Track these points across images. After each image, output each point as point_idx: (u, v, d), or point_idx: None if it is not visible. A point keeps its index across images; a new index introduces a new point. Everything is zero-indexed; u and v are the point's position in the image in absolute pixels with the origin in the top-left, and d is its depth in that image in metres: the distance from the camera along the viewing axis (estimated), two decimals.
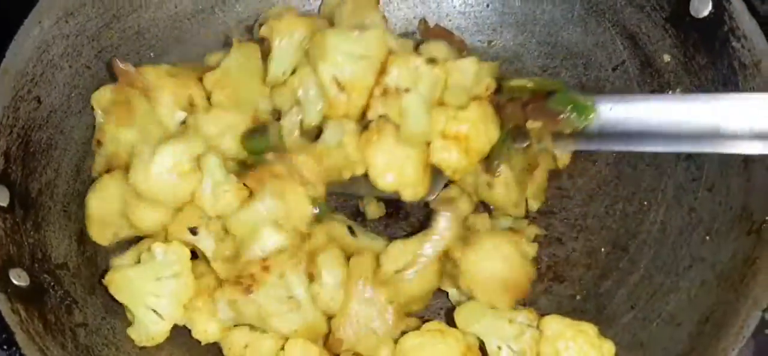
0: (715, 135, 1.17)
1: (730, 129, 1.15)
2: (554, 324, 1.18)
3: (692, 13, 1.31)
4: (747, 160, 1.22)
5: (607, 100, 1.27)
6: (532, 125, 1.30)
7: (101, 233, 1.31)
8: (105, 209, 1.30)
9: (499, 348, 1.20)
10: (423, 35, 1.53)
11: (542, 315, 1.22)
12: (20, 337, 1.05)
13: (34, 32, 1.31)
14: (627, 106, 1.25)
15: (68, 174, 1.34)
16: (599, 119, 1.26)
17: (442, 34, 1.55)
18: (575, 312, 1.31)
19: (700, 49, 1.32)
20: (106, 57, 1.43)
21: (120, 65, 1.33)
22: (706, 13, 1.29)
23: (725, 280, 1.15)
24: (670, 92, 1.38)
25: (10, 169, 1.23)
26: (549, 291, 1.38)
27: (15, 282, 1.13)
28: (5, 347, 1.05)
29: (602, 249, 1.39)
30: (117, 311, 1.26)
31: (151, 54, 1.50)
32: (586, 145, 1.30)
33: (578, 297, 1.31)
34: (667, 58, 1.38)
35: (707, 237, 1.24)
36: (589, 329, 1.18)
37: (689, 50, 1.34)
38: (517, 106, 1.32)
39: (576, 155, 1.47)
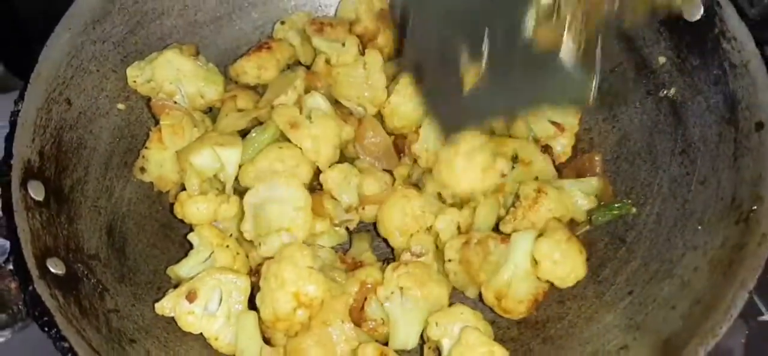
0: None
1: None
2: (472, 337, 1.25)
3: (685, 16, 1.37)
4: (736, 154, 1.29)
5: None
6: None
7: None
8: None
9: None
10: None
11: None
12: (59, 320, 1.12)
13: (64, 38, 1.39)
14: None
15: (97, 172, 1.41)
16: None
17: None
18: (576, 298, 1.37)
19: (693, 50, 1.38)
20: (130, 61, 1.51)
21: (157, 103, 1.45)
22: (698, 16, 1.35)
23: (716, 266, 1.21)
24: (664, 92, 1.45)
25: (44, 166, 1.30)
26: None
27: (52, 270, 1.19)
28: (46, 329, 1.11)
29: (601, 241, 1.45)
30: (145, 299, 1.34)
31: None
32: None
33: (578, 284, 1.37)
34: (662, 59, 1.44)
35: (699, 227, 1.30)
36: (499, 353, 1.25)
37: (683, 52, 1.40)
38: None
39: (575, 150, 1.55)
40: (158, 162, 1.44)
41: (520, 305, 1.33)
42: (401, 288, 1.31)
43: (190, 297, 1.29)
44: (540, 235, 1.32)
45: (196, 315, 1.29)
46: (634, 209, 1.43)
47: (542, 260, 1.30)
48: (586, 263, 1.34)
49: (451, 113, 1.31)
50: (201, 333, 1.31)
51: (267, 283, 1.26)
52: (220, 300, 1.30)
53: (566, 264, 1.30)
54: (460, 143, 1.39)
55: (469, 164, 1.40)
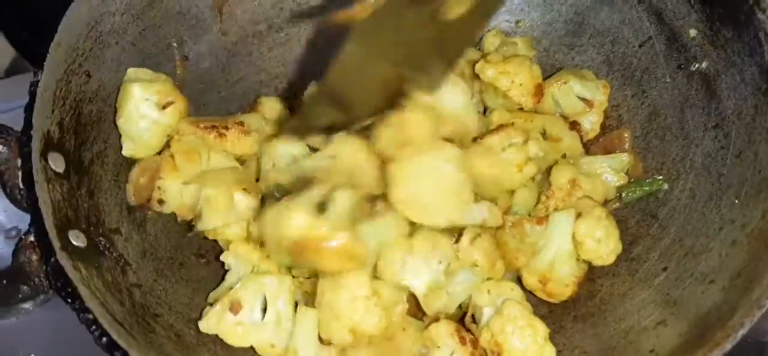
0: None
1: None
2: (513, 308, 1.23)
3: None
4: None
5: None
6: None
7: None
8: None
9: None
10: None
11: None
12: (83, 292, 1.09)
13: (84, 9, 1.35)
14: None
15: (117, 146, 1.38)
16: None
17: None
18: (607, 276, 1.35)
19: (726, 22, 1.35)
20: (148, 35, 1.48)
21: None
22: None
23: (756, 239, 1.18)
24: (696, 66, 1.42)
25: (64, 138, 1.26)
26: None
27: (74, 242, 1.16)
28: (69, 300, 1.09)
29: (632, 218, 1.42)
30: (167, 275, 1.31)
31: (190, 33, 1.55)
32: None
33: (610, 262, 1.35)
34: (693, 32, 1.41)
35: (736, 201, 1.27)
36: (541, 328, 1.22)
37: (715, 24, 1.37)
38: None
39: (604, 127, 1.52)
40: (176, 192, 1.36)
41: (566, 288, 1.31)
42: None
43: (234, 308, 1.23)
44: (579, 215, 1.29)
45: (244, 326, 1.24)
46: (665, 185, 1.40)
47: (584, 240, 1.28)
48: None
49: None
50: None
51: (322, 310, 1.22)
52: (265, 306, 1.25)
53: (609, 242, 1.29)
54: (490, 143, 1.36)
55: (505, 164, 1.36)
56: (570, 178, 1.36)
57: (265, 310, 1.25)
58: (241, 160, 1.41)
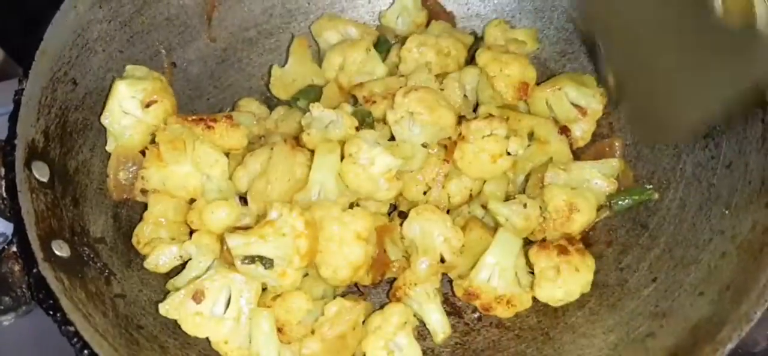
0: None
1: None
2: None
3: None
4: (765, 137, 1.25)
5: None
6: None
7: None
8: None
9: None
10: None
11: None
12: (65, 303, 1.08)
13: (70, 17, 1.34)
14: None
15: (103, 154, 1.36)
16: None
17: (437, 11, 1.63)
18: (597, 286, 1.33)
19: None
20: (136, 42, 1.47)
21: None
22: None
23: (745, 250, 1.17)
24: None
25: (49, 147, 1.25)
26: None
27: (57, 252, 1.15)
28: (51, 312, 1.07)
29: (622, 227, 1.41)
30: (152, 285, 1.30)
31: (179, 40, 1.54)
32: None
33: (599, 272, 1.34)
34: None
35: (726, 212, 1.25)
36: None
37: None
38: None
39: (594, 136, 1.51)
40: (160, 180, 1.34)
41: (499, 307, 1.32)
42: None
43: (197, 297, 1.23)
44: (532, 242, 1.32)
45: (203, 317, 1.22)
46: (656, 195, 1.39)
47: (540, 275, 1.29)
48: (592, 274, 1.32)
49: (656, 124, 1.29)
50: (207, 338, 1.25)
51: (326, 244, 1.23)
52: (229, 301, 1.24)
53: (568, 284, 1.29)
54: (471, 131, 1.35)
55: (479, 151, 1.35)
56: (566, 200, 1.34)
57: (228, 306, 1.24)
58: (228, 153, 1.39)
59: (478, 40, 1.61)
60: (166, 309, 1.23)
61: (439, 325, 1.32)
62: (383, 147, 1.30)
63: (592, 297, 1.33)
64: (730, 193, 1.27)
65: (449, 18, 1.63)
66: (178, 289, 1.25)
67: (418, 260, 1.30)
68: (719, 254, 1.22)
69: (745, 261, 1.16)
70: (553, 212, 1.34)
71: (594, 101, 1.48)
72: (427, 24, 1.62)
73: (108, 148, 1.37)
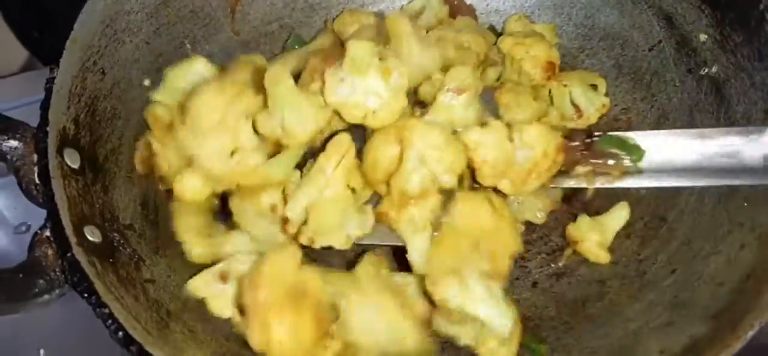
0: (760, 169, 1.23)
1: None
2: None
3: None
4: None
5: (651, 137, 1.34)
6: (583, 169, 1.36)
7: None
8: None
9: None
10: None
11: None
12: (99, 287, 1.10)
13: (99, 7, 1.37)
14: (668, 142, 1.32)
15: (131, 142, 1.39)
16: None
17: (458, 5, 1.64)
18: (616, 277, 1.35)
19: (736, 27, 1.36)
20: (163, 33, 1.49)
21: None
22: None
23: (765, 242, 1.19)
24: (706, 70, 1.43)
25: (79, 134, 1.28)
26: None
27: (89, 237, 1.17)
28: (86, 295, 1.09)
29: (640, 220, 1.43)
30: (180, 271, 1.32)
31: (203, 33, 1.57)
32: (629, 183, 1.36)
33: (618, 263, 1.36)
34: (703, 37, 1.42)
35: (745, 204, 1.27)
36: None
37: (725, 29, 1.38)
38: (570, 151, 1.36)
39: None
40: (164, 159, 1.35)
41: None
42: None
43: (223, 277, 1.25)
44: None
45: (228, 298, 1.25)
46: (644, 149, 1.35)
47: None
48: None
49: None
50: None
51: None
52: None
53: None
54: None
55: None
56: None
57: None
58: None
59: (497, 36, 1.63)
60: (193, 287, 1.25)
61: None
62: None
63: (612, 289, 1.35)
64: (750, 185, 1.28)
65: (470, 12, 1.65)
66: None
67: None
68: (739, 246, 1.23)
69: (765, 252, 1.18)
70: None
71: (592, 106, 1.50)
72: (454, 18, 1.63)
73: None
